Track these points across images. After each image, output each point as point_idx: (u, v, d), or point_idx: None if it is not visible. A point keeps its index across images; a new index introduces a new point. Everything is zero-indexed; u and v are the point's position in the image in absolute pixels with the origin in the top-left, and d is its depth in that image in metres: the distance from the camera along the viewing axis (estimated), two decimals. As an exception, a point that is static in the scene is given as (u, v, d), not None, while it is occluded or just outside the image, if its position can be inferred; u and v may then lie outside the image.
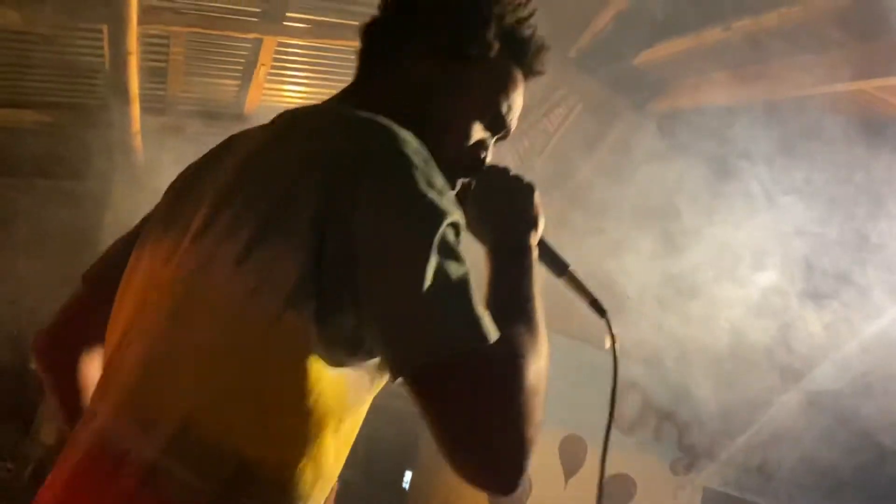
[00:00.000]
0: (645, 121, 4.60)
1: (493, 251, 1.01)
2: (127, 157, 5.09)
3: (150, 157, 5.08)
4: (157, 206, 1.13)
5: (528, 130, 5.60)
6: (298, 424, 0.84)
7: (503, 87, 1.08)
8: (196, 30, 4.24)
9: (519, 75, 1.10)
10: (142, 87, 4.56)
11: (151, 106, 5.08)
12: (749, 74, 3.63)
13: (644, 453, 4.72)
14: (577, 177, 5.14)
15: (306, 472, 0.85)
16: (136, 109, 4.58)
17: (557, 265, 1.10)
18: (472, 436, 0.81)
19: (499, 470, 0.82)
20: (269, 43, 4.48)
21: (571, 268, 1.09)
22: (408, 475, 5.88)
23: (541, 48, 1.11)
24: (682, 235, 4.14)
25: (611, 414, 1.10)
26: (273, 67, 4.75)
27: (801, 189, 3.26)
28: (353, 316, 0.82)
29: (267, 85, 4.93)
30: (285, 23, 4.34)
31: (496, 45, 1.05)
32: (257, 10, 4.26)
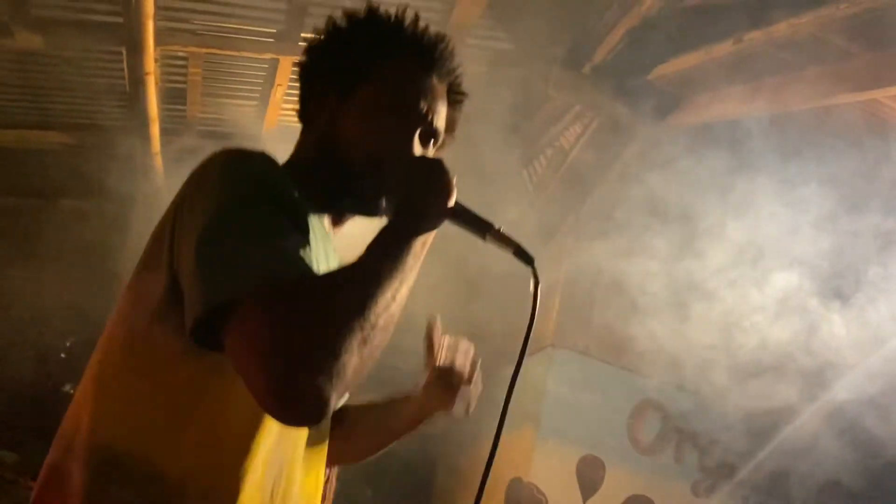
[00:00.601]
0: (662, 134, 4.58)
1: (391, 215, 1.08)
2: (147, 177, 5.18)
3: (170, 178, 5.18)
4: None
5: (545, 148, 5.61)
6: (165, 417, 0.95)
7: (403, 91, 1.17)
8: (213, 51, 4.32)
9: (420, 72, 1.19)
10: (161, 108, 4.65)
11: (171, 126, 5.18)
12: (763, 86, 3.59)
13: (664, 475, 4.63)
14: (595, 192, 5.11)
15: (182, 458, 0.93)
16: (155, 130, 4.67)
17: (480, 226, 1.12)
18: (265, 368, 0.83)
19: (296, 408, 0.85)
20: (286, 63, 4.54)
21: (495, 226, 1.11)
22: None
23: (427, 41, 1.20)
24: (703, 241, 4.11)
25: (522, 352, 1.15)
26: (290, 87, 4.82)
27: (817, 194, 3.23)
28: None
29: (284, 105, 4.99)
30: (301, 43, 4.40)
31: (371, 68, 1.17)
32: (273, 30, 4.33)
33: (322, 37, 1.24)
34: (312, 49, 1.25)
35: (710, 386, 4.62)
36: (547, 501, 4.37)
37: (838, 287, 3.92)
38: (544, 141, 5.52)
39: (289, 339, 0.84)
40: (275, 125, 5.18)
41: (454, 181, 1.08)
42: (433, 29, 1.22)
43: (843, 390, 4.08)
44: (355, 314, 0.88)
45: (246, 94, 4.98)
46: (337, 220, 1.22)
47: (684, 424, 4.75)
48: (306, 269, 0.91)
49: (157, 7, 3.66)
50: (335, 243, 1.22)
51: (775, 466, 4.83)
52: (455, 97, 1.25)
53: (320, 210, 1.16)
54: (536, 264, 1.11)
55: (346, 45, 1.20)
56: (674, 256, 4.45)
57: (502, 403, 1.16)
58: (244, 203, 0.94)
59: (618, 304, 4.92)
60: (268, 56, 4.44)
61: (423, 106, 1.17)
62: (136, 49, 3.91)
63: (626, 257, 4.73)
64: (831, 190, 3.16)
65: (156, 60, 4.14)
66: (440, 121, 1.20)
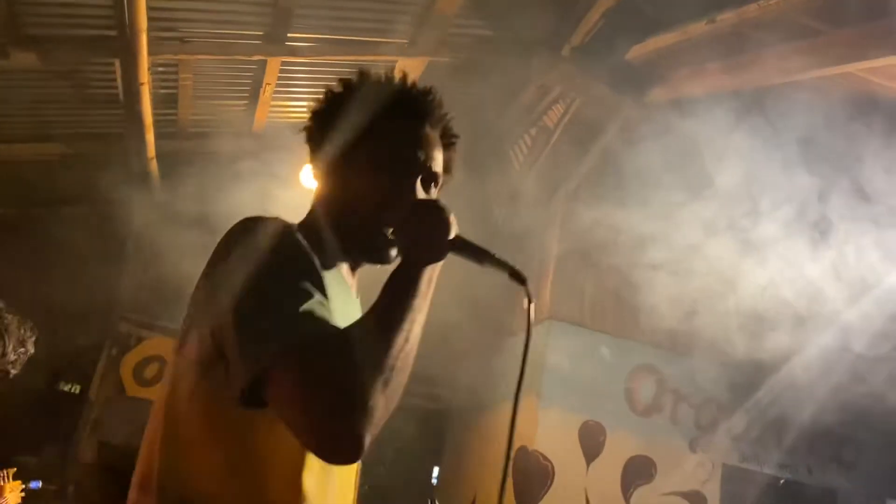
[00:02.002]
0: (643, 110, 4.73)
1: (401, 257, 1.19)
2: (145, 182, 5.28)
3: (166, 181, 5.27)
4: None
5: (530, 128, 5.75)
6: (223, 462, 1.06)
7: (400, 144, 1.27)
8: (203, 56, 4.41)
9: (414, 125, 1.30)
10: (154, 114, 4.74)
11: (165, 131, 5.27)
12: (738, 64, 3.75)
13: (662, 435, 4.85)
14: (580, 167, 5.25)
15: (243, 498, 1.06)
16: (150, 136, 4.76)
17: (478, 254, 1.22)
18: (306, 420, 0.98)
19: (339, 452, 0.99)
20: (274, 63, 4.65)
21: (491, 252, 1.21)
22: (436, 471, 6.05)
23: (416, 96, 1.31)
24: (687, 208, 4.29)
25: (521, 374, 1.22)
26: (278, 86, 4.92)
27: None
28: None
29: (273, 103, 5.10)
30: (288, 43, 4.50)
31: (369, 127, 1.27)
32: (260, 32, 4.42)
33: (323, 104, 1.34)
34: (316, 115, 1.34)
35: (702, 345, 4.85)
36: (553, 467, 4.58)
37: (818, 236, 4.12)
38: (528, 121, 5.66)
39: (320, 392, 0.97)
40: (264, 123, 5.28)
41: (452, 217, 1.17)
42: (420, 84, 1.34)
43: (828, 337, 4.29)
44: (375, 361, 1.01)
45: (236, 95, 5.07)
46: (354, 267, 1.33)
47: (678, 386, 4.97)
48: (325, 327, 1.03)
49: (149, 18, 3.75)
50: (358, 286, 1.36)
51: (767, 416, 5.07)
52: (448, 140, 1.35)
53: (337, 262, 1.27)
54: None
55: (345, 109, 1.30)
56: (661, 224, 4.64)
57: (507, 377, 1.28)
58: (268, 276, 1.06)
59: (609, 275, 5.12)
60: (256, 58, 4.54)
61: (421, 155, 1.27)
62: (130, 61, 3.99)
63: (615, 229, 4.91)
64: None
65: (149, 70, 4.23)
66: (437, 165, 1.30)
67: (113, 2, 3.70)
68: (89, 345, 5.96)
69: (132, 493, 1.13)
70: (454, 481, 5.64)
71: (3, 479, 2.61)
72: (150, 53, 4.12)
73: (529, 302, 1.21)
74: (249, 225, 1.14)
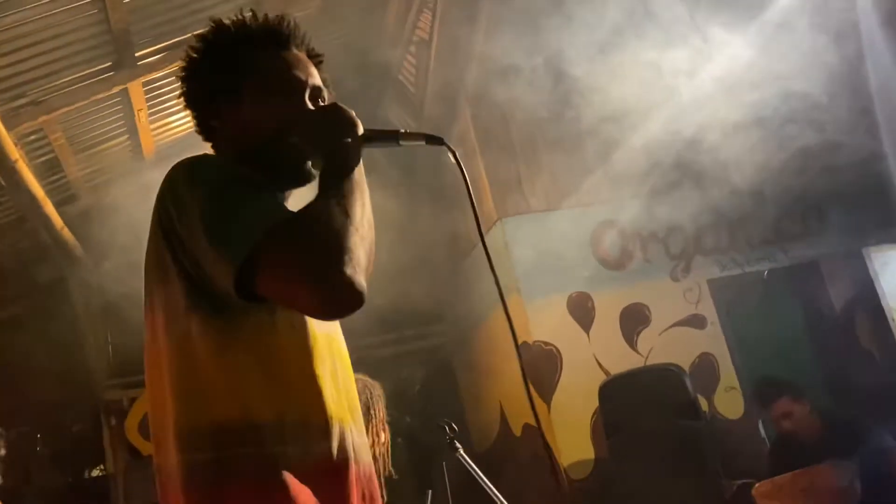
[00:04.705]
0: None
1: (322, 164, 1.25)
2: (66, 253, 5.15)
3: (86, 243, 5.15)
4: None
5: (409, 47, 5.66)
6: (238, 379, 1.12)
7: (277, 71, 1.32)
8: (63, 110, 4.24)
9: (281, 51, 1.35)
10: (43, 185, 4.59)
11: (62, 197, 5.11)
12: None
13: (642, 278, 4.96)
14: (471, 62, 5.17)
15: (268, 403, 1.12)
16: (50, 208, 4.61)
17: (390, 137, 1.30)
18: (302, 285, 1.06)
19: (342, 298, 1.07)
20: (136, 87, 4.50)
21: (400, 130, 1.30)
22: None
23: (275, 25, 1.35)
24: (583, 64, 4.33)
25: (491, 266, 1.33)
26: (150, 107, 4.78)
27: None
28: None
29: (153, 126, 4.96)
30: (139, 63, 4.35)
31: (243, 67, 1.32)
32: (109, 63, 4.26)
33: (187, 63, 1.36)
34: (185, 77, 1.37)
35: (641, 180, 4.95)
36: (556, 349, 4.70)
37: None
38: (404, 41, 5.58)
39: (310, 257, 1.07)
40: (153, 148, 5.14)
41: (353, 113, 1.25)
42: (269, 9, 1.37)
43: (749, 110, 4.41)
44: (344, 220, 1.11)
45: (114, 133, 4.92)
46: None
47: (639, 227, 5.07)
48: (289, 212, 1.14)
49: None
50: None
51: (729, 218, 5.22)
52: (317, 59, 1.40)
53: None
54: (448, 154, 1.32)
55: (213, 59, 1.34)
56: (567, 87, 4.67)
57: (484, 286, 1.36)
58: (222, 189, 1.14)
59: (534, 154, 5.16)
60: (116, 89, 4.39)
61: (300, 74, 1.32)
62: (-8, 145, 3.84)
63: (529, 107, 4.93)
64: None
65: (16, 144, 4.07)
66: (317, 80, 1.35)
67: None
68: (88, 426, 5.92)
69: (156, 458, 1.16)
70: (478, 399, 5.77)
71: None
72: (9, 129, 3.97)
73: (454, 154, 1.32)
74: (185, 165, 1.19)
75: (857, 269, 5.41)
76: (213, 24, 1.36)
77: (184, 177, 1.17)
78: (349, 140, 1.23)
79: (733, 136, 4.40)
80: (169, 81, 4.70)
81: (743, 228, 5.28)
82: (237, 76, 1.31)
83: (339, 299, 1.07)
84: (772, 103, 4.35)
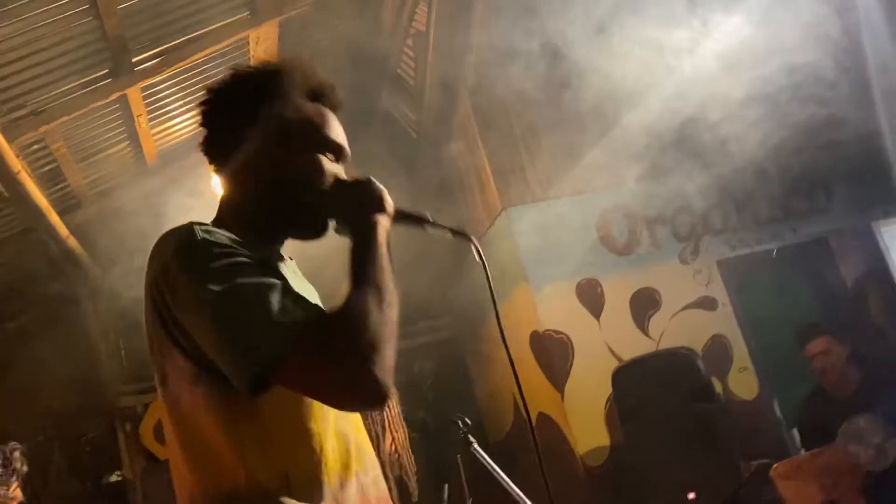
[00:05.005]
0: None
1: (350, 240, 1.22)
2: (73, 261, 5.15)
3: (92, 251, 5.15)
4: None
5: (406, 39, 5.63)
6: (243, 450, 1.12)
7: (311, 127, 1.30)
8: (63, 119, 4.24)
9: (321, 109, 1.32)
10: (47, 195, 4.59)
11: (66, 205, 5.12)
12: None
13: (651, 262, 4.94)
14: (469, 48, 5.12)
15: (272, 472, 1.13)
16: (55, 217, 4.61)
17: (418, 220, 1.29)
18: (334, 387, 1.06)
19: (367, 400, 1.09)
20: (134, 94, 4.48)
21: (429, 217, 1.29)
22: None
23: (322, 86, 1.33)
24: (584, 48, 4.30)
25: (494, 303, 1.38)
26: (150, 113, 4.76)
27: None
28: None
29: (154, 131, 4.94)
30: (136, 69, 4.33)
31: (281, 110, 1.28)
32: (106, 70, 4.25)
33: (220, 87, 1.32)
34: (214, 100, 1.32)
35: (647, 165, 4.91)
36: (567, 336, 4.68)
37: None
38: (401, 34, 5.54)
39: (340, 366, 1.05)
40: (156, 153, 5.13)
41: (386, 193, 1.24)
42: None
43: (756, 88, 4.36)
44: (378, 316, 1.09)
45: (115, 140, 4.91)
46: (279, 247, 1.36)
47: (645, 211, 5.04)
48: (311, 307, 1.10)
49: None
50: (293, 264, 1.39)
51: (736, 199, 5.18)
52: (338, 109, 1.37)
53: (269, 245, 1.30)
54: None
55: (233, 106, 1.30)
56: (563, 78, 4.63)
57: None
58: (225, 277, 1.08)
59: (538, 143, 5.12)
60: (114, 96, 4.37)
61: (337, 131, 1.31)
62: (-6, 157, 3.84)
63: (529, 94, 4.90)
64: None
65: (17, 156, 4.07)
66: (343, 138, 1.33)
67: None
68: (103, 433, 5.94)
69: None
70: (491, 390, 5.77)
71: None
72: (10, 140, 3.96)
73: (478, 249, 1.33)
74: (175, 240, 1.14)
75: (866, 245, 5.37)
76: (231, 74, 1.33)
77: (179, 264, 1.11)
78: (380, 217, 1.22)
79: (738, 111, 4.35)
80: (166, 86, 4.69)
81: (750, 207, 5.25)
82: (277, 113, 1.28)
83: (365, 400, 1.09)
84: (774, 79, 4.30)
